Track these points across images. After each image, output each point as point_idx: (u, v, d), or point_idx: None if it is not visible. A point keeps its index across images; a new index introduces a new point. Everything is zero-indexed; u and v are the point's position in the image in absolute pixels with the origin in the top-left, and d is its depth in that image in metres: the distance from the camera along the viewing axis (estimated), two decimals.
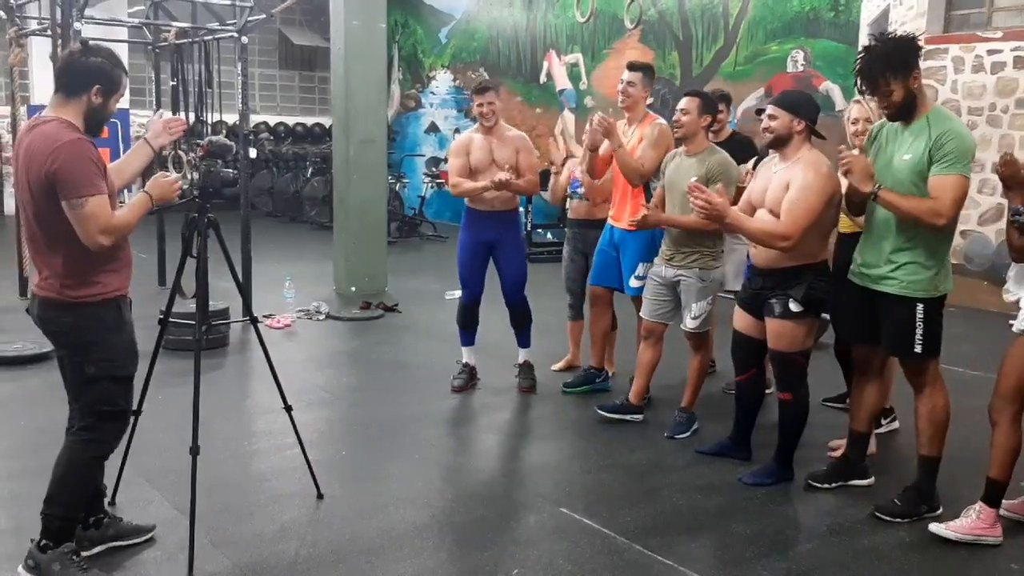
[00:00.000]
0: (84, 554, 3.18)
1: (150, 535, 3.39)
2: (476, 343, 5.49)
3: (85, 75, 2.96)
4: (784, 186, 3.82)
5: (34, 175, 2.89)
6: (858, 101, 4.29)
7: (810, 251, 3.85)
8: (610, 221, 5.17)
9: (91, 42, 3.07)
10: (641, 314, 4.82)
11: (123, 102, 13.13)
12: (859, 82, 3.61)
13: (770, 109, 3.91)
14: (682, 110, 4.54)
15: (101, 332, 3.04)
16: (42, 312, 3.07)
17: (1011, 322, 3.47)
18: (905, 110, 3.56)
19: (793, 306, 3.86)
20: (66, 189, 2.85)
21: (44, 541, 3.05)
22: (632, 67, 5.08)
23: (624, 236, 5.00)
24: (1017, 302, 3.41)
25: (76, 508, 3.10)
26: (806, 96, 4.13)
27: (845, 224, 4.36)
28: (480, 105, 5.13)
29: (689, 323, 4.59)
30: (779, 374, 4.03)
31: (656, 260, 4.73)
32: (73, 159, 2.85)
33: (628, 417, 4.83)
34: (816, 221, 3.76)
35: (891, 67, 3.49)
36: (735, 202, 4.15)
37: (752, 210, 4.02)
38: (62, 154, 2.84)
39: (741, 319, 4.14)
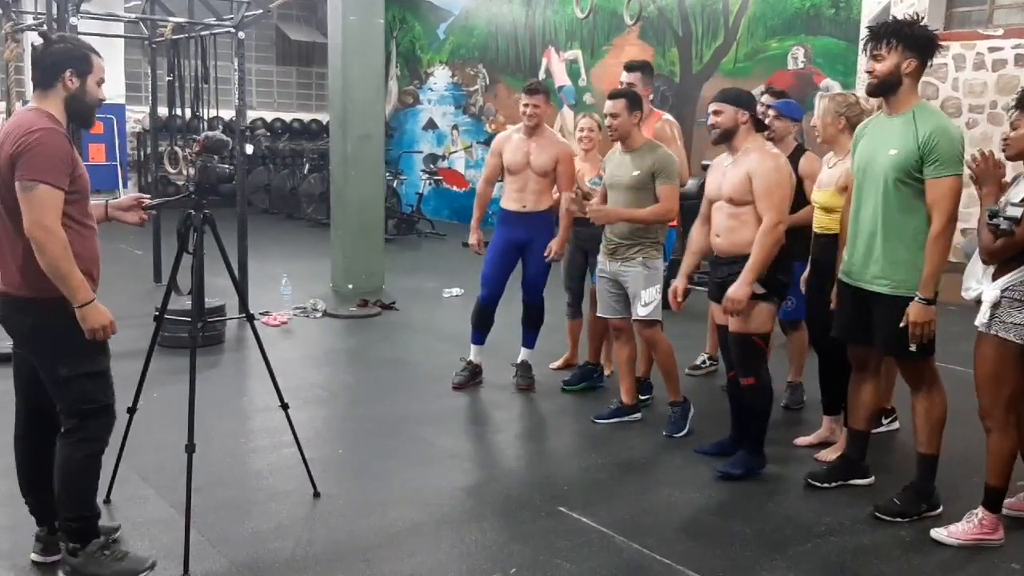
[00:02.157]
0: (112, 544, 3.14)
1: (116, 534, 3.33)
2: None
3: (53, 63, 2.93)
4: (744, 176, 3.94)
5: (4, 158, 2.83)
6: (823, 97, 4.43)
7: None
8: None
9: (55, 34, 3.04)
10: (599, 314, 4.85)
11: (118, 97, 13.11)
12: (867, 35, 3.63)
13: (714, 105, 4.07)
14: (611, 114, 4.57)
15: (65, 330, 2.93)
16: (2, 312, 2.99)
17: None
18: (885, 88, 3.55)
19: (756, 288, 3.91)
20: (23, 169, 2.77)
21: (72, 545, 3.04)
22: (630, 67, 5.19)
23: None
24: (978, 299, 3.38)
25: (88, 506, 3.07)
26: (745, 91, 4.25)
27: (820, 223, 4.36)
28: (526, 106, 5.13)
29: (640, 311, 4.56)
30: (740, 359, 4.06)
31: (600, 258, 4.75)
32: (43, 145, 2.79)
33: (625, 419, 4.81)
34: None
35: (898, 35, 3.50)
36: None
37: (708, 207, 4.16)
38: (34, 137, 2.78)
39: (719, 313, 4.13)
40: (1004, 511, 3.55)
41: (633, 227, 4.56)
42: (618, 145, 4.67)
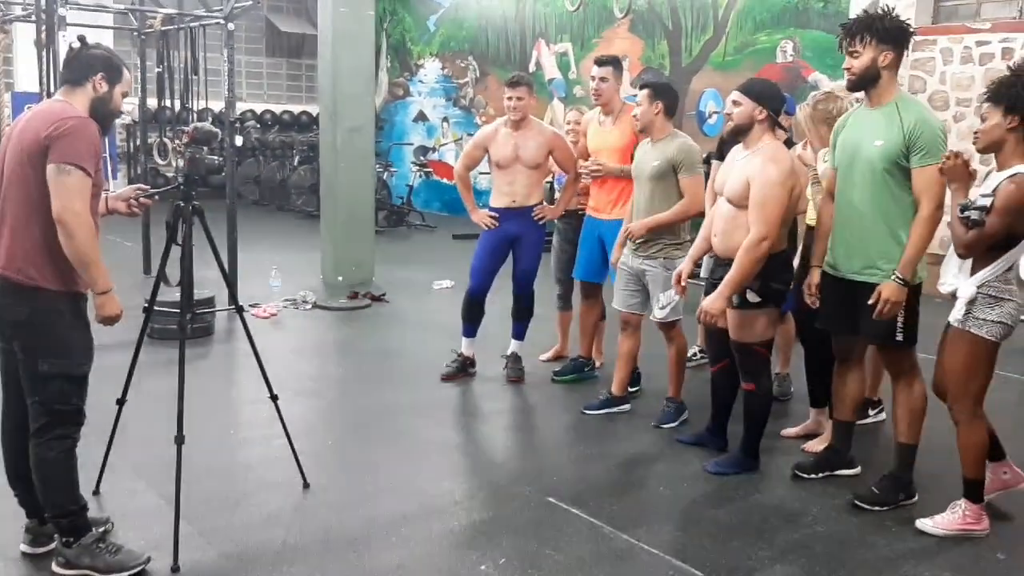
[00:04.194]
0: (94, 540, 3.11)
1: (105, 527, 3.31)
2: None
3: (86, 64, 3.03)
4: (744, 179, 3.82)
5: (29, 140, 2.86)
6: (804, 108, 4.41)
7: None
8: (591, 213, 5.18)
9: (94, 42, 3.14)
10: (614, 305, 4.84)
11: None
12: (841, 33, 3.66)
13: (734, 95, 3.92)
14: (635, 103, 4.56)
15: (58, 327, 2.95)
16: None
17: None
18: (865, 82, 3.60)
19: (751, 296, 3.86)
20: (61, 152, 2.81)
21: (65, 539, 3.05)
22: (600, 62, 5.11)
23: (609, 227, 5.01)
24: (954, 293, 3.41)
25: (72, 500, 3.06)
26: (773, 86, 4.12)
27: (813, 217, 4.36)
28: (510, 98, 5.09)
29: (657, 313, 4.58)
30: (742, 365, 4.04)
31: (624, 251, 4.74)
32: (80, 133, 2.86)
33: (615, 410, 4.83)
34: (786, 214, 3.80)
35: (871, 30, 3.55)
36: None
37: (714, 199, 4.07)
38: (71, 123, 2.85)
39: None
40: (987, 498, 3.57)
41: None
42: (647, 138, 4.65)
